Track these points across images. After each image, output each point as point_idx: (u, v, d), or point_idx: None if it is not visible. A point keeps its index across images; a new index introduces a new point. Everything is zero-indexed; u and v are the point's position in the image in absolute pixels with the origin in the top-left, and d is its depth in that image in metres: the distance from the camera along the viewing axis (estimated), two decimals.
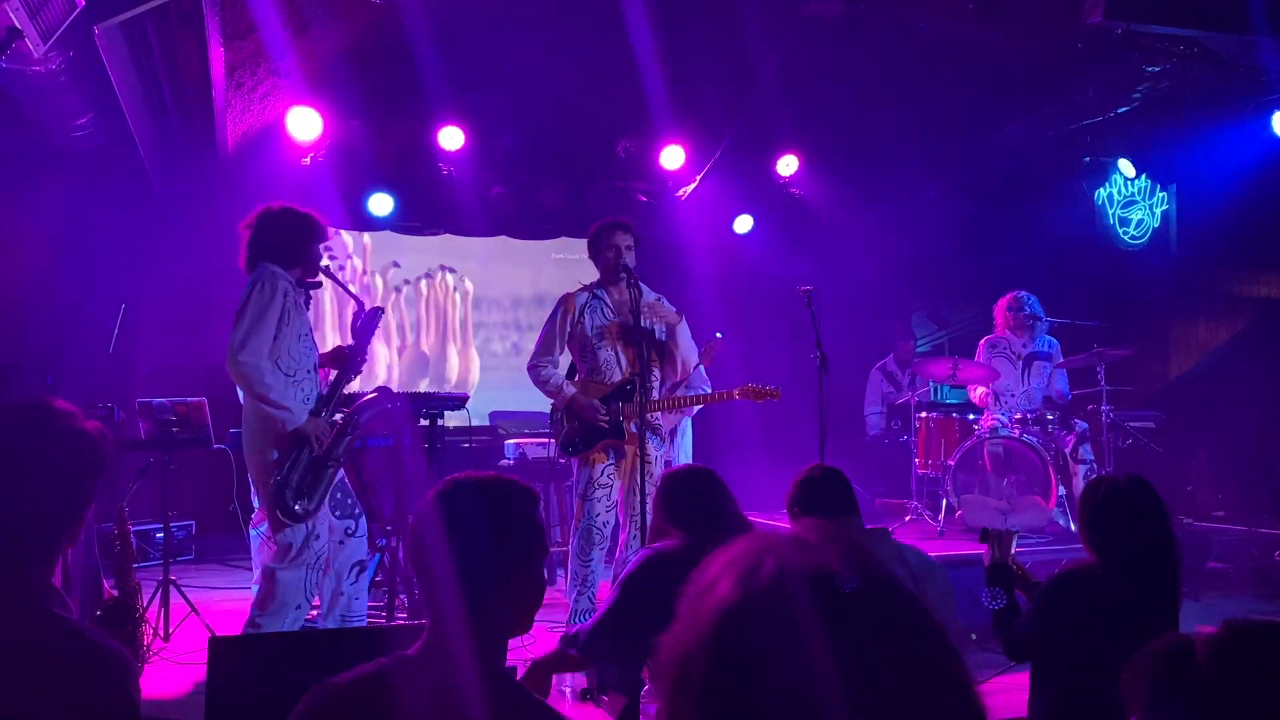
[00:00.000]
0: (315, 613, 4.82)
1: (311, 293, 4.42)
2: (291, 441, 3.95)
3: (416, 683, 1.57)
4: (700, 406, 6.29)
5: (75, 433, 1.74)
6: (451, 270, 9.13)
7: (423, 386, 8.56)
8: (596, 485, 4.79)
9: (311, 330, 4.26)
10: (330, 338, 8.28)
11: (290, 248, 4.15)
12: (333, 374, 4.31)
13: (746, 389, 5.05)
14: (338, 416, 4.19)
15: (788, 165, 8.70)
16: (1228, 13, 6.04)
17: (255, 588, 5.45)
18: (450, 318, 9.11)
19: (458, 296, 9.15)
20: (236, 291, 7.96)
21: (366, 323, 4.36)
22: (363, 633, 3.82)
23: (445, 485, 1.70)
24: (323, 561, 4.07)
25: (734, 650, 0.83)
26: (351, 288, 4.57)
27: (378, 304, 4.71)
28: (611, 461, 4.84)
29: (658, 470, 4.77)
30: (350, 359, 4.33)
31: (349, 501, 4.30)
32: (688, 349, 5.00)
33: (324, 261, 4.35)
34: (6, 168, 6.78)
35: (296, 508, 3.92)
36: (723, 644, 0.84)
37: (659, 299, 5.02)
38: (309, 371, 4.13)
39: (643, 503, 4.55)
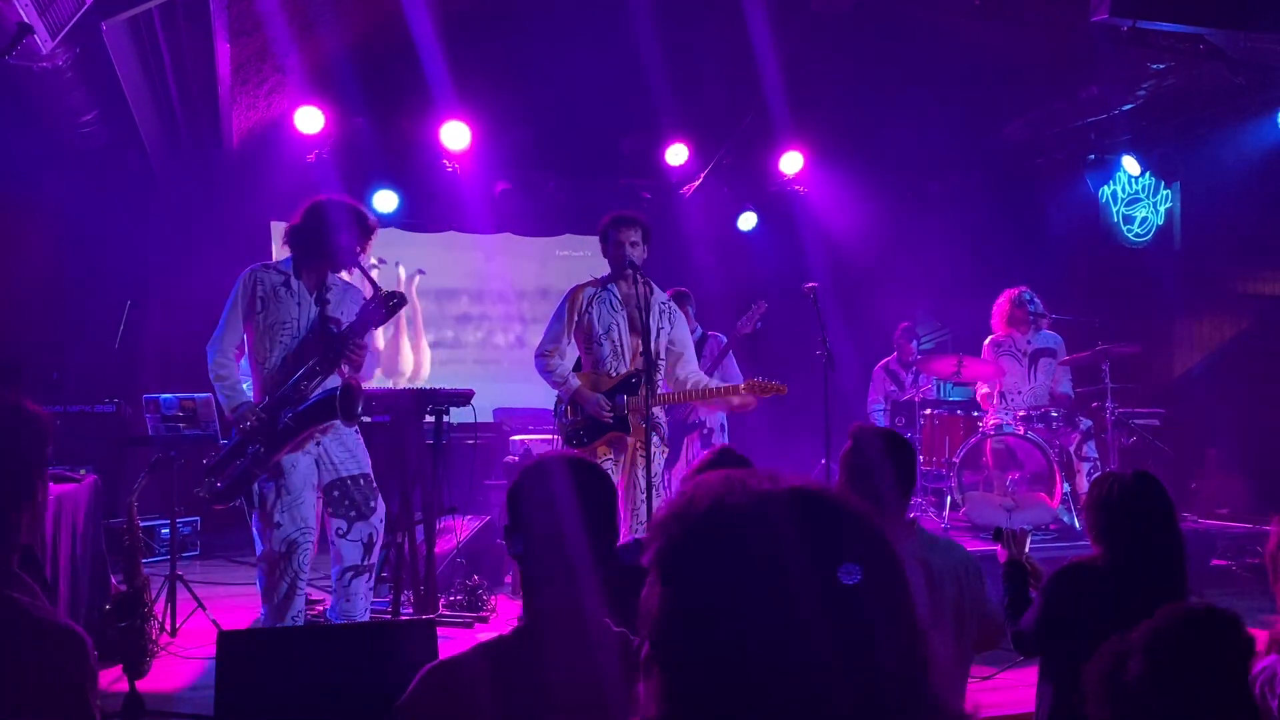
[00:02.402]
0: (321, 607, 4.83)
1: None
2: (230, 424, 4.12)
3: (545, 643, 1.67)
4: (732, 406, 6.18)
5: (24, 416, 1.76)
6: (386, 261, 8.87)
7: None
8: None
9: (300, 322, 4.14)
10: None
11: (308, 240, 4.21)
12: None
13: (752, 384, 4.98)
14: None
15: (792, 162, 8.70)
16: (1234, 10, 6.04)
17: None
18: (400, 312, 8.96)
19: (405, 288, 8.94)
20: None
21: (365, 313, 4.18)
22: (370, 628, 3.83)
23: (543, 464, 1.81)
24: (295, 548, 4.04)
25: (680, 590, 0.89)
26: (375, 275, 4.39)
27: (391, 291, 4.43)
28: (612, 456, 4.82)
29: (657, 466, 4.77)
30: (329, 346, 4.11)
31: (345, 502, 4.19)
32: (688, 355, 5.01)
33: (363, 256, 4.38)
34: (13, 164, 6.79)
35: (202, 487, 4.05)
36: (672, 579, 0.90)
37: (669, 302, 5.01)
38: (283, 361, 4.14)
39: (648, 496, 4.54)
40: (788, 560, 0.85)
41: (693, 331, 6.72)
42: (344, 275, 4.41)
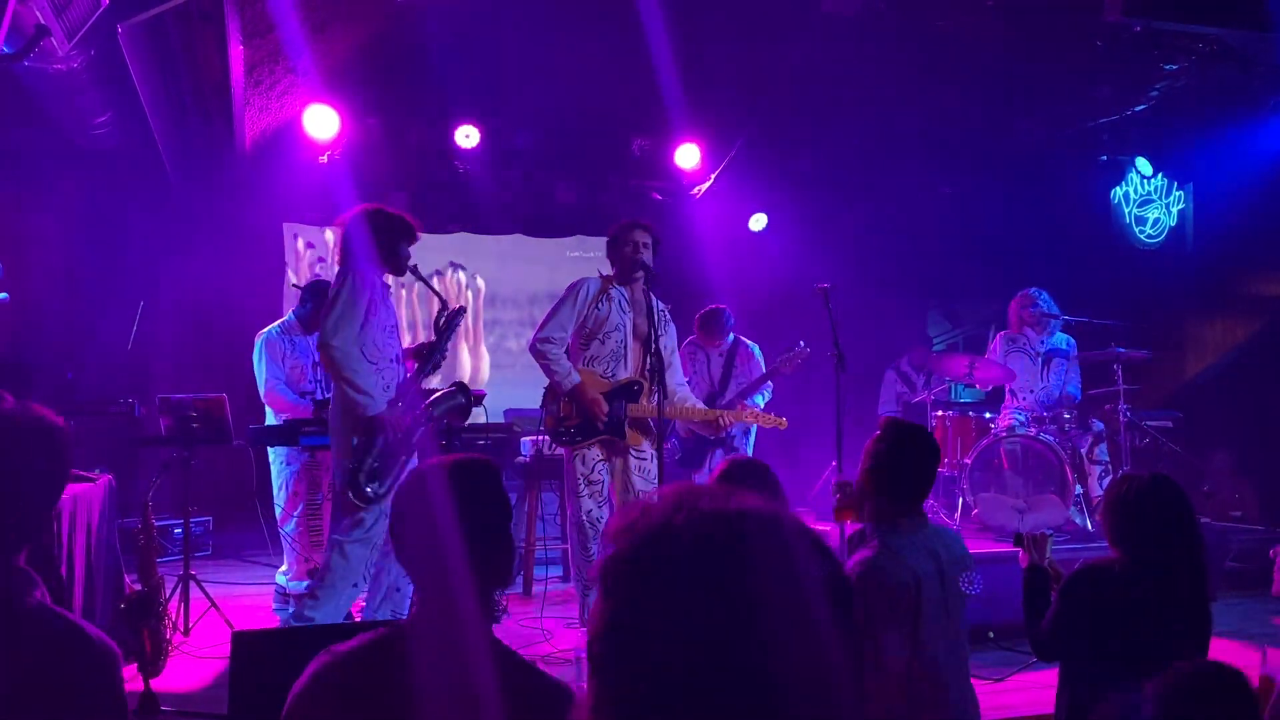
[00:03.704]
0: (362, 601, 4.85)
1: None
2: (370, 427, 4.14)
3: (415, 644, 1.71)
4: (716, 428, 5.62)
5: (46, 427, 1.78)
6: (462, 268, 9.15)
7: (434, 383, 8.58)
8: (588, 481, 4.76)
9: (397, 325, 4.44)
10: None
11: (380, 247, 4.31)
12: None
13: (756, 413, 5.07)
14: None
15: (803, 163, 8.70)
16: (1247, 10, 6.01)
17: (284, 579, 5.49)
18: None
19: (469, 294, 9.17)
20: (254, 288, 8.03)
21: (449, 321, 4.52)
22: (379, 626, 3.84)
23: (416, 471, 1.86)
24: (382, 544, 4.19)
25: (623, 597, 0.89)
26: (436, 286, 4.66)
27: (459, 304, 4.79)
28: (604, 458, 4.80)
29: (652, 469, 4.77)
30: (430, 355, 4.48)
31: None
32: (676, 365, 5.04)
33: (412, 261, 4.52)
34: (28, 166, 6.84)
35: (368, 490, 4.12)
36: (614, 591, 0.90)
37: (665, 311, 4.99)
38: (391, 362, 4.31)
39: None
40: (724, 582, 0.85)
41: (724, 340, 6.68)
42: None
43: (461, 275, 9.16)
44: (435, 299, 4.64)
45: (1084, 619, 2.72)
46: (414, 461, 4.30)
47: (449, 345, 4.56)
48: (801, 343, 6.37)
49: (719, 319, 6.69)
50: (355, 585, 4.18)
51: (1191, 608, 2.68)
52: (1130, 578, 2.69)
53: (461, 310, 4.62)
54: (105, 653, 1.70)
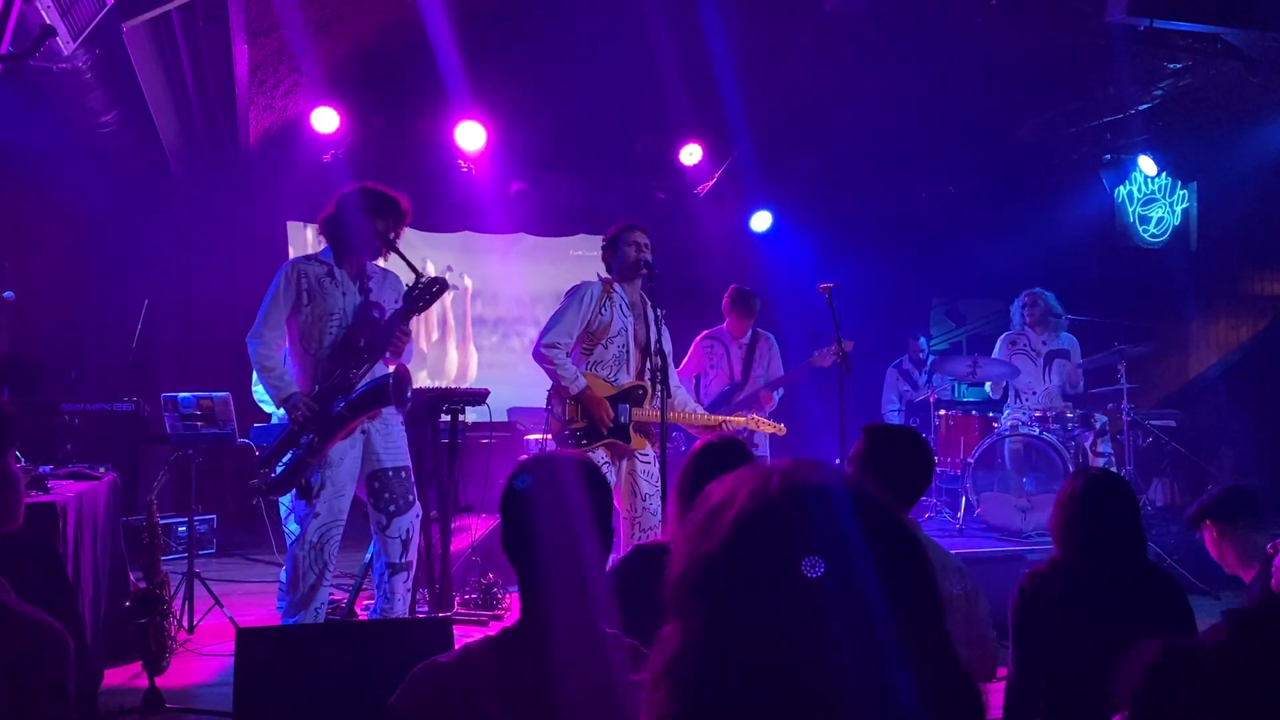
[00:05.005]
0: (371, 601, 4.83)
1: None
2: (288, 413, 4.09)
3: (528, 651, 1.63)
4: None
5: None
6: (449, 267, 9.12)
7: (421, 380, 8.58)
8: None
9: (342, 311, 4.15)
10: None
11: (343, 229, 4.21)
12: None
13: (756, 420, 5.05)
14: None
15: (806, 162, 8.71)
16: (1250, 9, 6.01)
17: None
18: (448, 313, 9.11)
19: (451, 292, 9.09)
20: (259, 286, 8.05)
21: (422, 291, 4.17)
22: (387, 625, 3.84)
23: (533, 464, 1.77)
24: (327, 540, 4.07)
25: (751, 556, 0.87)
26: (418, 262, 4.31)
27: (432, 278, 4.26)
28: (609, 460, 4.79)
29: (655, 471, 4.77)
30: (375, 334, 4.14)
31: (385, 494, 4.21)
32: (673, 369, 5.01)
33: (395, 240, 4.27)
34: (34, 164, 6.85)
35: (257, 479, 4.05)
36: (741, 549, 0.88)
37: (661, 314, 4.97)
38: (334, 350, 4.13)
39: (664, 507, 4.54)
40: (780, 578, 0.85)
41: (746, 334, 6.59)
42: (381, 262, 4.38)
43: (448, 275, 9.06)
44: (410, 272, 4.28)
45: (1026, 626, 2.70)
46: (350, 454, 4.12)
47: (398, 328, 4.20)
48: (849, 340, 6.32)
49: (751, 299, 6.48)
50: (313, 587, 4.04)
51: (1159, 607, 2.62)
52: (1065, 577, 2.63)
53: (436, 281, 4.23)
54: (48, 634, 1.71)
